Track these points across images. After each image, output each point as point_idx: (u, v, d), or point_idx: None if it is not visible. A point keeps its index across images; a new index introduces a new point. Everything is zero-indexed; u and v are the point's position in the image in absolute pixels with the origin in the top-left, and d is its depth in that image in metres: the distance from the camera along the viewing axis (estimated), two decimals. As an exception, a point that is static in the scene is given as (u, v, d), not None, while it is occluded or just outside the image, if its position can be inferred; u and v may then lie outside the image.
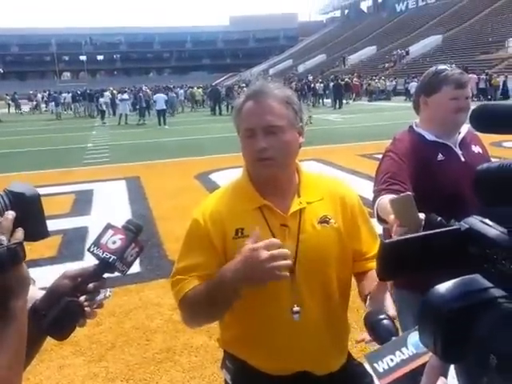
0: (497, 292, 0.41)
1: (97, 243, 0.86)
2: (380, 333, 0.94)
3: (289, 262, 1.02)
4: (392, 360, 0.86)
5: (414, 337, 0.89)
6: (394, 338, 0.90)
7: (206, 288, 1.10)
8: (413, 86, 25.12)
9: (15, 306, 0.64)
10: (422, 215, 1.09)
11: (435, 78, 1.70)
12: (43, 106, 30.28)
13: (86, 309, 0.82)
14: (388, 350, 0.88)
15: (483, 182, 0.46)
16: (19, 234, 0.64)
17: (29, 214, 0.67)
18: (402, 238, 0.46)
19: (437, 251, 0.45)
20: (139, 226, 0.90)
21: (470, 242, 0.44)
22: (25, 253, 0.64)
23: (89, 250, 0.86)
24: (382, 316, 0.97)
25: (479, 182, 0.46)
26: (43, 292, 0.90)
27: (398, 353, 0.87)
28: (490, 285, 0.41)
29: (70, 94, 27.76)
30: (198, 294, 1.11)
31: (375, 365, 0.85)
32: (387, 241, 0.46)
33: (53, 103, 26.70)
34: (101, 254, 0.85)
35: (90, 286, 0.83)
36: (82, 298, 0.82)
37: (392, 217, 1.10)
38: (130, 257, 0.86)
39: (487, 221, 0.45)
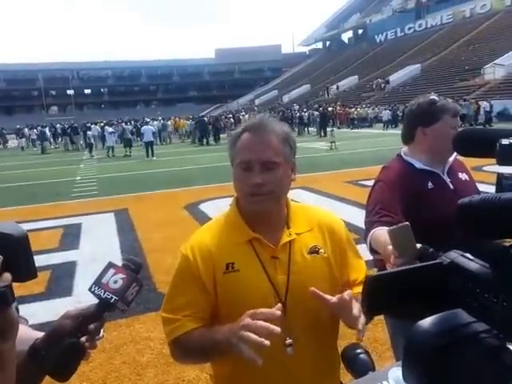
0: (479, 327, 0.41)
1: (98, 283, 0.85)
2: (357, 367, 0.95)
3: (267, 342, 0.92)
4: None
5: (394, 372, 0.92)
6: (371, 373, 0.92)
7: (200, 339, 1.10)
8: (385, 114, 26.42)
9: (3, 349, 0.62)
10: (418, 245, 1.13)
11: (433, 107, 1.69)
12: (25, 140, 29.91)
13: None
14: (369, 382, 0.90)
15: (466, 217, 0.45)
16: (7, 277, 0.62)
17: (16, 254, 0.65)
18: (386, 272, 0.47)
19: (420, 285, 0.45)
20: (139, 265, 0.89)
21: (451, 276, 0.44)
22: (13, 295, 0.63)
23: (90, 289, 0.86)
24: (359, 350, 0.98)
25: (462, 216, 0.46)
26: (37, 332, 0.88)
27: None
28: (473, 319, 0.41)
29: (47, 128, 27.96)
30: (190, 342, 1.11)
31: None
32: (372, 275, 0.46)
33: (23, 139, 27.19)
34: (102, 295, 0.84)
35: (91, 326, 0.82)
36: (83, 339, 0.81)
37: (390, 247, 1.10)
38: (130, 295, 0.86)
39: (468, 255, 0.45)
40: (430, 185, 1.66)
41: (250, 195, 1.13)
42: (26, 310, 0.96)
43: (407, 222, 1.11)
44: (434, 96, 1.74)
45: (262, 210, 1.16)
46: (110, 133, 20.58)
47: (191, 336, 1.12)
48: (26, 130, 29.68)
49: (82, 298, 3.83)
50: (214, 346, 1.07)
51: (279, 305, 1.01)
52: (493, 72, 27.76)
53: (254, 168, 1.11)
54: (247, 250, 1.15)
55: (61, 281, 4.58)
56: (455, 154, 1.76)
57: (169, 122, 28.28)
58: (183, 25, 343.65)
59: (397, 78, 38.15)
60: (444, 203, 1.58)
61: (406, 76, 37.84)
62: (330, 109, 30.22)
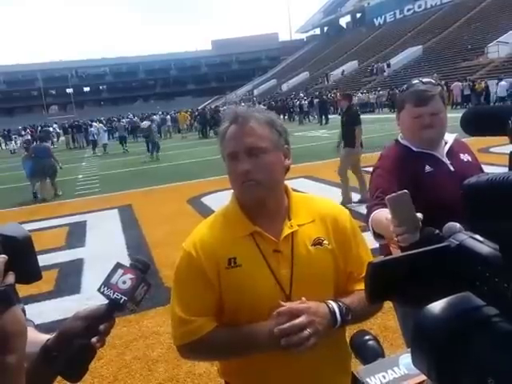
0: (490, 311, 0.39)
1: (107, 283, 0.86)
2: (367, 353, 0.94)
3: (313, 341, 1.02)
4: (384, 377, 0.89)
5: (406, 358, 0.91)
6: (380, 359, 0.91)
7: (223, 342, 1.11)
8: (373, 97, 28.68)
9: (10, 361, 0.60)
10: (419, 215, 1.09)
11: (402, 95, 1.72)
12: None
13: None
14: (380, 368, 0.89)
15: (472, 197, 0.44)
16: (10, 277, 0.63)
17: (21, 256, 0.67)
18: (390, 257, 0.44)
19: (426, 269, 0.43)
20: (147, 265, 0.90)
21: (460, 259, 0.42)
22: (17, 296, 0.63)
23: (99, 290, 0.86)
24: (367, 337, 0.97)
25: (468, 196, 0.44)
26: (44, 334, 0.88)
27: (390, 371, 0.89)
28: (483, 303, 0.40)
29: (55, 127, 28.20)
30: (207, 343, 1.11)
31: (368, 380, 0.86)
32: (374, 261, 0.44)
33: (13, 142, 27.58)
34: (111, 295, 0.84)
35: (101, 327, 0.83)
36: (94, 340, 0.81)
37: (389, 217, 1.09)
38: (139, 296, 0.86)
39: (477, 237, 0.43)
40: (427, 168, 1.65)
41: (241, 184, 1.13)
42: (35, 309, 0.95)
43: (406, 190, 1.08)
44: (417, 80, 1.71)
45: (254, 197, 1.13)
46: (105, 130, 20.70)
47: (208, 338, 1.10)
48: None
49: (90, 294, 3.85)
50: (253, 347, 1.09)
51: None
52: (497, 50, 27.29)
53: (240, 156, 1.11)
54: (249, 244, 1.13)
55: (69, 279, 4.62)
56: (454, 135, 1.75)
57: (168, 117, 28.15)
58: (180, 22, 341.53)
59: (398, 60, 37.65)
60: (443, 186, 1.58)
61: (407, 58, 37.31)
62: (330, 95, 29.96)
